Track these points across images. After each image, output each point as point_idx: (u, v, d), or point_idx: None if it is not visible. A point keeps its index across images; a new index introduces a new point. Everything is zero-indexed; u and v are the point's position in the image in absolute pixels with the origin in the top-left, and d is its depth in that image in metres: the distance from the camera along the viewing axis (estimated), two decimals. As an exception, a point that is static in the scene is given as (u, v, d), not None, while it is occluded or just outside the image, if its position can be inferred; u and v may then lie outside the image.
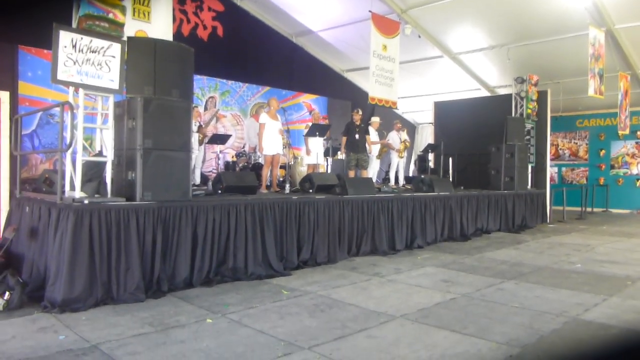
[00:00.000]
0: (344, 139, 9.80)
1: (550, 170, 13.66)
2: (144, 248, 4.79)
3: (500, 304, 4.63)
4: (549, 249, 8.02)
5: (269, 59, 13.34)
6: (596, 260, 6.97)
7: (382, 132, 11.08)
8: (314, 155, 9.35)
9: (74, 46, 4.56)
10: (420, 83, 14.92)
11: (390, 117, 14.03)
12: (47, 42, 4.76)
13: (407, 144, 11.63)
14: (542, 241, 8.87)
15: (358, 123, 9.77)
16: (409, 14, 11.75)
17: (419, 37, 12.34)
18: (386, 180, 11.70)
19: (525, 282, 5.52)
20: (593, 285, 5.43)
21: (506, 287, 5.30)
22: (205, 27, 12.06)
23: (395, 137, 11.34)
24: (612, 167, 15.70)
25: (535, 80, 12.03)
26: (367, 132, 10.01)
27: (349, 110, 15.38)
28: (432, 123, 14.58)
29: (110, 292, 4.56)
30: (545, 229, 10.87)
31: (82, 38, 4.60)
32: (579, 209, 13.42)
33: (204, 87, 12.17)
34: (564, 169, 16.65)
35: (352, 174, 9.61)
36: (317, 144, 9.45)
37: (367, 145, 9.92)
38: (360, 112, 10.06)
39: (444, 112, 13.86)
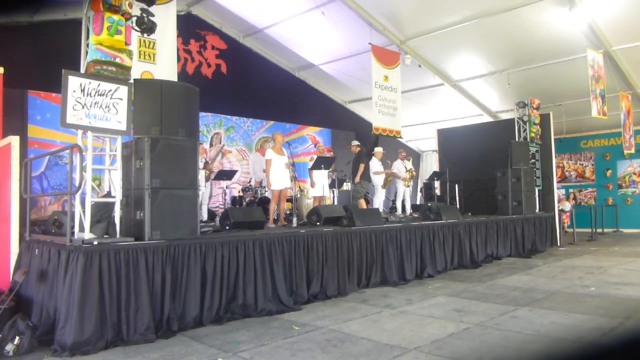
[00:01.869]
0: None
1: (558, 193, 13.60)
2: (153, 288, 4.78)
3: (515, 332, 4.56)
4: (561, 272, 7.92)
5: (272, 94, 13.57)
6: (610, 282, 6.87)
7: (386, 161, 11.13)
8: (319, 187, 9.38)
9: (83, 90, 4.67)
10: (422, 111, 15.06)
11: (394, 146, 14.12)
12: (56, 85, 4.88)
13: (413, 173, 11.67)
14: (553, 265, 8.76)
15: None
16: (408, 45, 11.96)
17: (419, 66, 12.54)
18: (393, 209, 11.68)
19: (539, 309, 5.44)
20: (608, 308, 5.34)
21: (520, 315, 5.22)
22: (209, 65, 12.32)
23: (401, 166, 11.38)
24: (620, 186, 15.62)
25: (536, 104, 12.12)
26: (360, 161, 9.96)
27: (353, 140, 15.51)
28: (436, 150, 14.64)
29: (120, 333, 4.53)
30: (556, 252, 10.75)
31: (90, 82, 4.71)
32: (589, 230, 13.30)
33: (209, 124, 12.34)
34: (571, 190, 16.58)
35: (361, 203, 9.65)
36: (322, 176, 9.49)
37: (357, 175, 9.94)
38: (354, 143, 10.21)
39: (448, 139, 13.94)
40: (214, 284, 5.26)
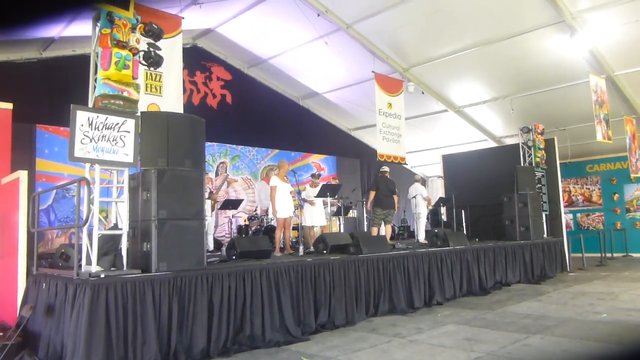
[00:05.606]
0: None
1: (566, 217, 13.50)
2: (160, 320, 4.75)
3: (527, 361, 4.47)
4: (572, 299, 7.80)
5: (277, 122, 13.71)
6: (622, 308, 6.76)
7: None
8: (320, 216, 9.26)
9: (90, 124, 4.73)
10: (427, 137, 15.13)
11: (400, 172, 14.12)
12: (63, 119, 4.95)
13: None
14: (564, 291, 8.64)
15: None
16: (411, 72, 12.11)
17: (423, 93, 12.66)
18: (400, 235, 11.61)
19: (550, 336, 5.34)
20: (621, 335, 5.24)
21: (532, 343, 5.12)
22: (214, 96, 12.50)
23: (421, 189, 11.43)
24: (628, 210, 15.49)
25: (541, 129, 12.14)
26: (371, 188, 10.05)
27: (358, 168, 15.55)
28: (441, 176, 14.64)
29: (127, 367, 4.48)
30: (565, 278, 10.60)
31: (98, 116, 4.78)
32: (598, 255, 13.13)
33: (215, 153, 12.44)
34: (579, 215, 16.46)
35: (374, 231, 9.60)
36: (316, 205, 9.34)
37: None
38: (383, 169, 10.20)
39: (453, 165, 13.94)
40: (221, 314, 5.21)
